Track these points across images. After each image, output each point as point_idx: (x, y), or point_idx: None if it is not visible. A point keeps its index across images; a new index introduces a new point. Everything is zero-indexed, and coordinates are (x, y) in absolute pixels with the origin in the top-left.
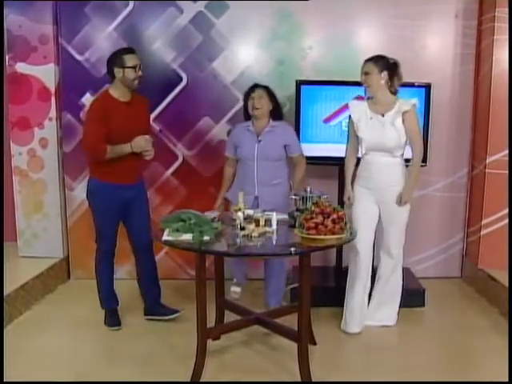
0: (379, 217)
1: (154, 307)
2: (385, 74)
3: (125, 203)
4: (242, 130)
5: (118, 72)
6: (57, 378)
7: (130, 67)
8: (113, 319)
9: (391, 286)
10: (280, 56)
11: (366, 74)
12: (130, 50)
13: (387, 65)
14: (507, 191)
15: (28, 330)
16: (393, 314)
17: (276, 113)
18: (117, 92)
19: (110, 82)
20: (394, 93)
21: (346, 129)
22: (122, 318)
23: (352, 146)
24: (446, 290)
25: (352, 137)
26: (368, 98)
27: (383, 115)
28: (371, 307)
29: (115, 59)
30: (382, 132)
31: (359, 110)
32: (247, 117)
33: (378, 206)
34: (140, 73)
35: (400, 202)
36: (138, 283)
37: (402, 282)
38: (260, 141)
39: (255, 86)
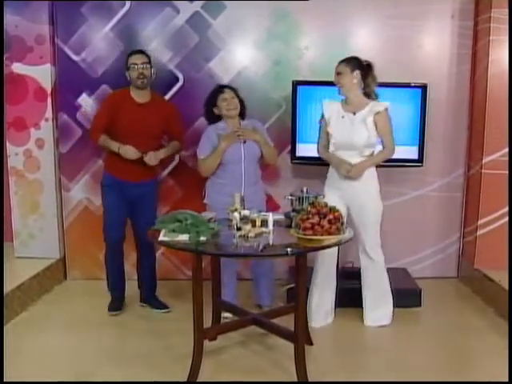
0: (350, 218)
1: (148, 299)
2: (357, 73)
3: (129, 200)
4: (219, 132)
5: (127, 75)
6: (56, 377)
7: (130, 67)
8: (113, 305)
9: (380, 287)
10: (276, 56)
11: (338, 74)
12: (134, 52)
13: (359, 65)
14: (507, 191)
15: (25, 331)
16: (387, 313)
17: (243, 112)
18: (133, 92)
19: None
20: (370, 95)
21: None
22: (120, 318)
23: (322, 144)
24: (442, 290)
25: (323, 135)
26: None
27: (355, 113)
28: (365, 309)
29: (125, 63)
30: (352, 130)
31: (332, 109)
32: (212, 119)
33: (347, 206)
34: (140, 70)
35: (347, 172)
36: (136, 272)
37: (388, 281)
38: (245, 141)
39: (223, 87)
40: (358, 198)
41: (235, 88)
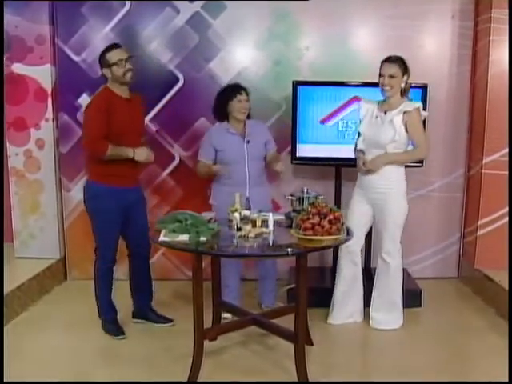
0: (374, 218)
1: (145, 311)
2: (405, 78)
3: (124, 207)
4: (221, 132)
5: (106, 72)
6: (56, 377)
7: (114, 63)
8: (115, 327)
9: (391, 291)
10: (277, 56)
11: (391, 76)
12: (112, 46)
13: (407, 69)
14: (507, 191)
15: (25, 331)
16: (397, 317)
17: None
18: (116, 89)
19: (105, 83)
20: (404, 93)
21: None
22: (119, 318)
23: (356, 142)
24: (442, 290)
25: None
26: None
27: (385, 113)
28: (372, 310)
29: (101, 60)
30: (380, 128)
31: (368, 108)
32: (221, 117)
33: (371, 206)
34: (128, 66)
35: (364, 164)
36: (129, 284)
37: (402, 286)
38: (248, 141)
39: (240, 88)
40: (380, 197)
41: (248, 90)
